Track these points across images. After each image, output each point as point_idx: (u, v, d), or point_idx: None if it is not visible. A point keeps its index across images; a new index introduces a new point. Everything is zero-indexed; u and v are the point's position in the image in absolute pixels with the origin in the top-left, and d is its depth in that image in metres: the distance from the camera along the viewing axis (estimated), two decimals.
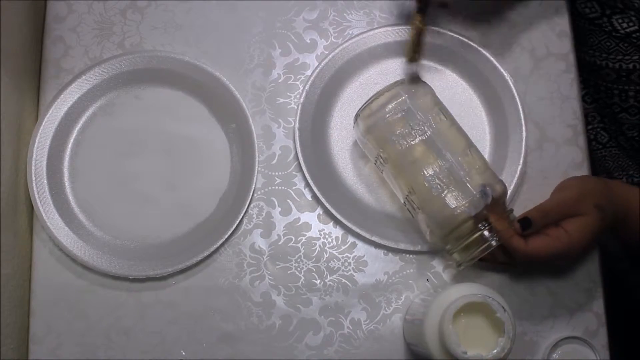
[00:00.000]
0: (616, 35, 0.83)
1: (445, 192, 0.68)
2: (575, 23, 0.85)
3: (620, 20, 0.82)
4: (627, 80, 0.85)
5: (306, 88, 0.80)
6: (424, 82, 0.74)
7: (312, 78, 0.80)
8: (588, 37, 0.86)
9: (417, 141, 0.70)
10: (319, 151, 0.79)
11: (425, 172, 0.69)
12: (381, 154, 0.73)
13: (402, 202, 0.74)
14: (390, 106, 0.71)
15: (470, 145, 0.72)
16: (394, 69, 0.82)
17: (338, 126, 0.81)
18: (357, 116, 0.74)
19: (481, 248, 0.68)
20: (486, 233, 0.68)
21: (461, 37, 0.81)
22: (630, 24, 0.81)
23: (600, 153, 0.94)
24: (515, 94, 0.79)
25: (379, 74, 0.82)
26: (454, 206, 0.68)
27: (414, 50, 0.77)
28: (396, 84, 0.73)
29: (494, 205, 0.68)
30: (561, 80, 0.82)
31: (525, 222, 0.69)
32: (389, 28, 0.82)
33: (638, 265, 0.94)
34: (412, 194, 0.71)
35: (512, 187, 0.77)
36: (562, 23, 0.84)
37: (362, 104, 0.73)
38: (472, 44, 0.81)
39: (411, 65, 0.78)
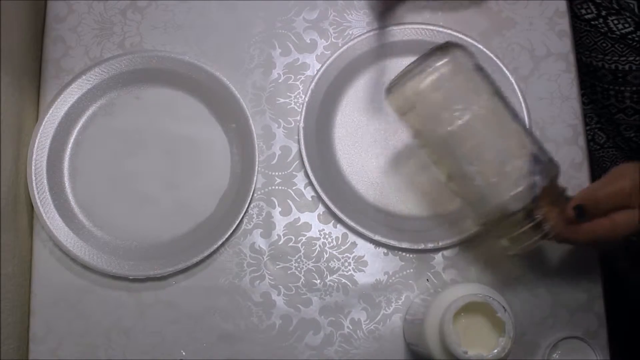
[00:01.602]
0: (612, 36, 0.83)
1: (488, 182, 0.62)
2: (571, 24, 0.86)
3: (615, 22, 0.82)
4: (623, 81, 0.85)
5: (311, 87, 0.80)
6: (468, 52, 0.65)
7: (317, 76, 0.80)
8: (584, 38, 0.87)
9: (456, 126, 0.63)
10: (323, 150, 0.79)
11: (465, 160, 0.63)
12: (416, 138, 0.67)
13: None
14: (424, 85, 0.63)
15: (519, 127, 0.64)
16: (399, 68, 0.82)
17: (342, 125, 0.81)
18: (387, 92, 0.66)
19: (532, 240, 0.64)
20: (538, 225, 0.63)
21: (462, 36, 0.81)
22: (626, 25, 0.81)
23: (598, 154, 0.94)
24: (519, 94, 0.79)
25: (382, 74, 0.82)
26: (498, 199, 0.62)
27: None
28: (431, 58, 0.63)
29: (545, 194, 0.62)
30: (561, 80, 0.82)
31: (580, 212, 0.63)
32: (395, 27, 0.82)
33: (638, 265, 0.94)
34: (451, 181, 0.66)
35: None
36: (562, 23, 0.84)
37: (394, 77, 0.65)
38: (475, 43, 0.81)
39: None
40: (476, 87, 0.63)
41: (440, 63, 0.63)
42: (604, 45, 0.84)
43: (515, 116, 0.64)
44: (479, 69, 0.65)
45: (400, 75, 0.65)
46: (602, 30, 0.84)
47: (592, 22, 0.84)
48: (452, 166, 0.66)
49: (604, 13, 0.83)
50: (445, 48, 0.64)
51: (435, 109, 0.63)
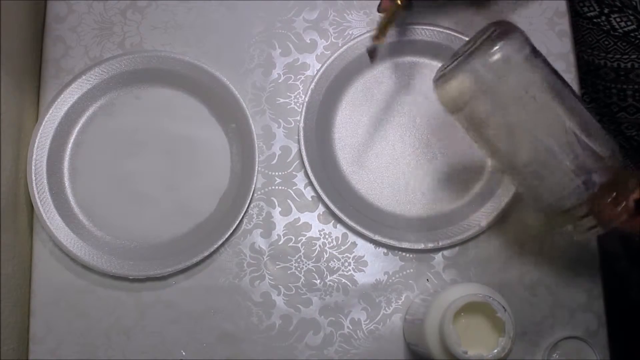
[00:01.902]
0: (614, 34, 0.83)
1: (541, 181, 0.61)
2: (573, 22, 0.86)
3: (618, 19, 0.82)
4: (625, 80, 0.85)
5: (311, 87, 0.80)
6: (521, 38, 0.59)
7: (317, 76, 0.80)
8: (586, 36, 0.86)
9: (504, 128, 0.61)
10: (323, 150, 0.80)
11: (516, 159, 0.62)
12: (467, 134, 0.64)
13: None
14: (470, 88, 0.59)
15: (574, 121, 0.59)
16: (402, 67, 0.83)
17: (342, 125, 0.81)
18: (435, 85, 0.63)
19: (590, 233, 0.62)
20: (594, 222, 0.60)
21: (462, 36, 0.81)
22: (629, 22, 0.81)
23: None
24: None
25: (382, 74, 0.82)
26: (552, 197, 0.61)
27: (384, 31, 0.73)
28: (479, 52, 0.58)
29: (607, 186, 0.59)
30: None
31: None
32: (395, 27, 0.82)
33: (638, 265, 0.94)
34: (505, 174, 0.64)
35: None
36: (562, 23, 0.84)
37: (441, 68, 0.62)
38: None
39: (374, 44, 0.77)
40: (527, 83, 0.59)
41: (489, 56, 0.58)
42: (606, 43, 0.84)
43: (573, 108, 0.60)
44: (533, 56, 0.59)
45: (448, 70, 0.61)
46: (605, 28, 0.83)
47: (595, 20, 0.84)
48: (504, 164, 0.64)
49: (606, 11, 0.83)
50: (495, 39, 0.58)
51: (482, 113, 0.61)
